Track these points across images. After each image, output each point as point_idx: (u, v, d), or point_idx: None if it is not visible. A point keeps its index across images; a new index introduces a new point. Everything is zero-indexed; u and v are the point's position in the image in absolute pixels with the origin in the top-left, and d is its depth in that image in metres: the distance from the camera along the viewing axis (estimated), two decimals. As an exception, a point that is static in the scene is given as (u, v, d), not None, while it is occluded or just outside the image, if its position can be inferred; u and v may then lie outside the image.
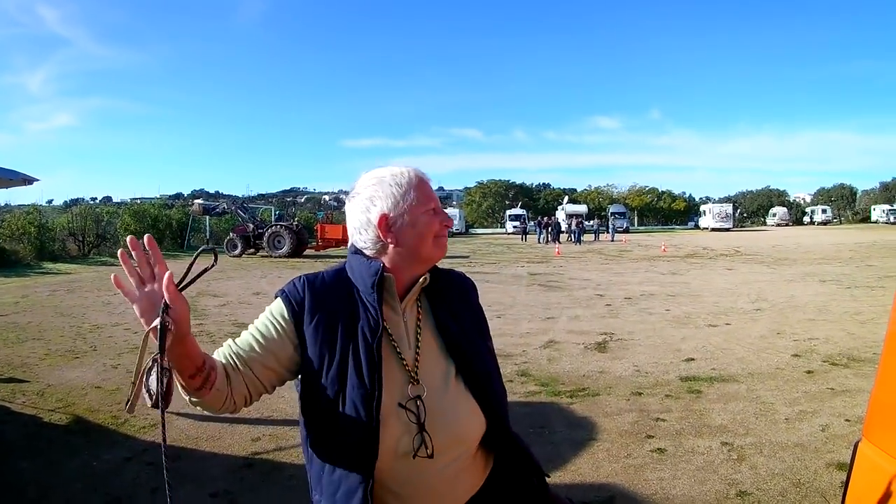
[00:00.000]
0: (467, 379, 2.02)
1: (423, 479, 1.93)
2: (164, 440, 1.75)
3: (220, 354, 2.01)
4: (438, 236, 2.06)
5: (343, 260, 2.18)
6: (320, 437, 1.97)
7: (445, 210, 2.12)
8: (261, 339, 2.01)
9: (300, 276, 2.10)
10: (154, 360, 1.74)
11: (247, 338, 2.03)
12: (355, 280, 2.05)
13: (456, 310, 2.16)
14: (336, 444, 1.91)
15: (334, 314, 1.99)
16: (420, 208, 2.04)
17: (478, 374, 2.04)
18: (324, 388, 1.93)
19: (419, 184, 2.08)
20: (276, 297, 2.10)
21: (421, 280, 2.07)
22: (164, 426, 1.73)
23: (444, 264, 2.18)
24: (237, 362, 1.97)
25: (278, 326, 2.02)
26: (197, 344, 1.81)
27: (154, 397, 1.75)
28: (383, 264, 2.01)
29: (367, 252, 2.07)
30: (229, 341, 2.07)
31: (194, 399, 1.86)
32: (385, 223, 2.02)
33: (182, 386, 1.83)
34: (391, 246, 2.04)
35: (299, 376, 2.06)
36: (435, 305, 2.12)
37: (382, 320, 1.96)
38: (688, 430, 6.56)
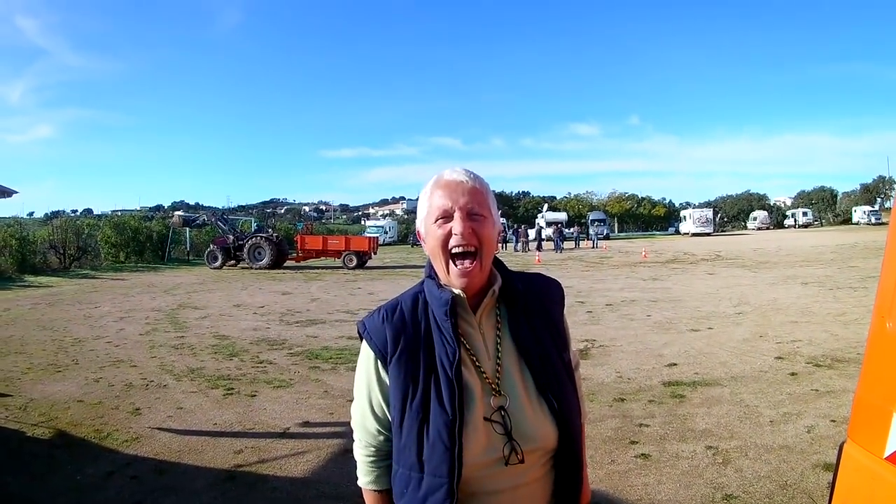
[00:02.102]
0: (539, 390, 1.99)
1: (507, 489, 1.95)
2: None
3: (362, 438, 2.12)
4: (445, 249, 1.97)
5: (419, 281, 2.14)
6: (406, 458, 1.97)
7: (459, 218, 1.96)
8: (372, 398, 2.07)
9: (379, 310, 2.08)
10: None
11: (364, 405, 2.09)
12: (432, 305, 2.02)
13: (533, 317, 2.10)
14: (421, 465, 1.92)
15: (415, 344, 1.98)
16: (429, 219, 2.01)
17: (548, 385, 2.00)
18: (410, 417, 1.94)
19: (432, 190, 2.02)
20: (358, 333, 2.11)
21: (490, 292, 2.03)
22: None
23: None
24: (378, 430, 2.07)
25: (374, 378, 2.06)
26: None
27: None
28: (452, 291, 1.98)
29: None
30: (357, 418, 2.14)
31: None
32: (420, 237, 2.08)
33: None
34: (433, 263, 2.05)
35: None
36: (511, 313, 2.08)
37: (459, 346, 1.95)
38: (672, 435, 6.57)
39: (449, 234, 1.95)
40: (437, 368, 1.94)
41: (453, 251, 1.96)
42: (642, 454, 6.15)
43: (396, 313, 2.04)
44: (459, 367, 1.92)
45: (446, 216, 1.96)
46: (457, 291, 1.99)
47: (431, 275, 2.07)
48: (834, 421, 6.72)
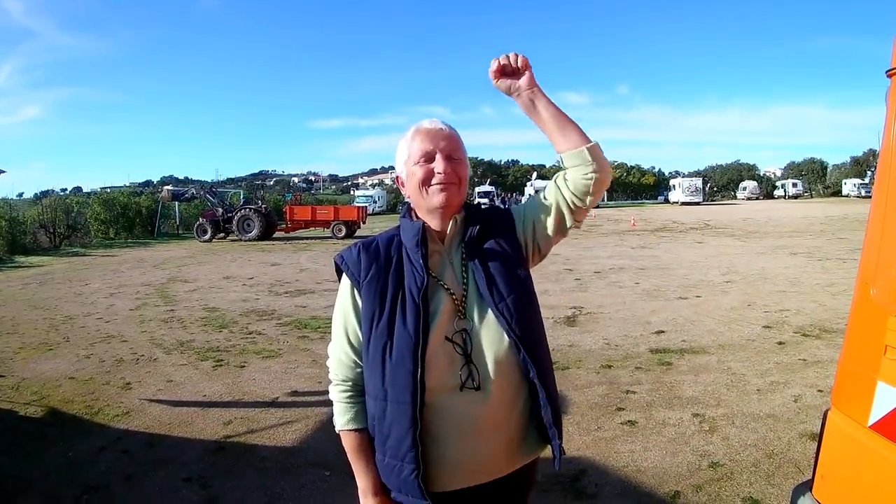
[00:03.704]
0: (503, 310, 2.10)
1: (469, 417, 2.04)
2: None
3: (339, 372, 2.24)
4: (426, 184, 2.16)
5: (397, 225, 2.31)
6: (372, 385, 2.11)
7: (440, 159, 2.17)
8: (348, 326, 2.21)
9: (356, 244, 2.26)
10: None
11: (340, 334, 2.23)
12: (404, 240, 2.21)
13: (485, 242, 2.22)
14: (385, 391, 2.05)
15: (385, 272, 2.15)
16: (410, 162, 2.21)
17: (507, 306, 2.11)
18: (375, 339, 2.08)
19: (412, 137, 2.22)
20: (336, 265, 2.28)
21: (451, 223, 2.20)
22: None
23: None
24: (355, 362, 2.21)
25: (350, 304, 2.21)
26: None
27: None
28: (423, 222, 2.19)
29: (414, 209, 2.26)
30: (334, 352, 2.27)
31: None
32: (400, 182, 2.25)
33: None
34: (412, 201, 2.25)
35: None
36: (473, 244, 2.21)
37: (428, 273, 2.12)
38: (659, 402, 6.61)
39: (431, 172, 2.16)
40: (406, 293, 2.10)
41: (435, 187, 2.16)
42: (629, 421, 6.19)
43: (372, 246, 2.24)
44: (426, 292, 2.09)
45: (428, 158, 2.17)
46: (437, 214, 2.19)
47: (406, 215, 2.27)
48: (821, 391, 6.77)
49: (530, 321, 2.16)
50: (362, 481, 2.19)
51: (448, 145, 2.18)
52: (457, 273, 2.18)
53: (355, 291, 2.18)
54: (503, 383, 2.08)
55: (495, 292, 2.12)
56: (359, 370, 2.18)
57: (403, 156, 2.23)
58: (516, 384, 2.13)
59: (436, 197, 2.14)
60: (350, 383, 2.20)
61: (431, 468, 2.04)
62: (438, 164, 2.14)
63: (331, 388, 2.25)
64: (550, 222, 2.27)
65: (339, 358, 2.21)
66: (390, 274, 2.14)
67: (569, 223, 2.27)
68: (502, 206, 2.49)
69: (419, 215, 2.23)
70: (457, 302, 2.11)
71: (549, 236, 2.29)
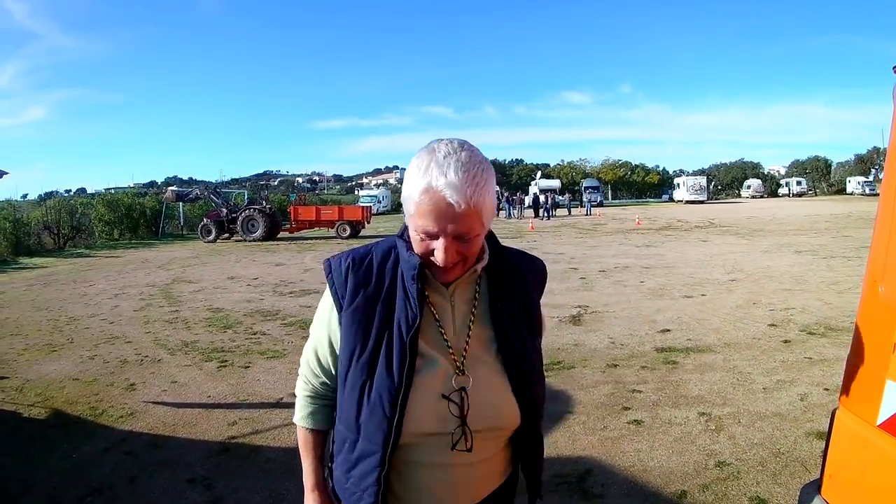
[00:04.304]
0: (511, 377, 1.93)
1: (449, 473, 1.92)
2: None
3: (307, 378, 2.14)
4: (423, 255, 1.84)
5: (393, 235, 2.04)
6: (345, 416, 1.95)
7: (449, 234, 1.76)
8: (319, 350, 2.06)
9: (348, 255, 2.00)
10: None
11: (311, 357, 2.10)
12: (402, 263, 1.92)
13: (514, 301, 2.01)
14: (358, 427, 1.89)
15: (373, 301, 1.91)
16: (409, 219, 1.84)
17: (522, 376, 1.94)
18: (354, 374, 1.89)
19: (420, 194, 1.74)
20: (324, 270, 2.02)
21: (471, 270, 1.93)
22: None
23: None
24: (326, 390, 2.11)
25: (327, 324, 2.02)
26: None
27: None
28: (421, 259, 1.85)
29: None
30: (305, 360, 2.14)
31: None
32: (392, 201, 2.01)
33: None
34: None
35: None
36: (493, 289, 1.99)
37: (421, 314, 1.85)
38: (664, 402, 6.59)
39: (430, 250, 1.81)
40: (393, 330, 1.87)
41: (434, 264, 1.84)
42: (635, 420, 6.18)
43: (364, 264, 1.97)
44: (416, 333, 1.85)
45: (430, 236, 1.79)
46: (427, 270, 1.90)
47: (403, 236, 1.95)
48: (827, 389, 6.76)
49: (538, 395, 2.01)
50: (308, 479, 2.18)
51: (458, 228, 1.74)
52: (459, 321, 1.93)
53: (334, 315, 1.97)
54: (494, 448, 1.98)
55: (511, 359, 1.93)
56: (319, 382, 2.09)
57: (407, 201, 1.80)
58: (508, 452, 2.05)
59: (435, 270, 1.86)
60: (312, 387, 2.12)
61: (398, 498, 1.95)
62: (439, 252, 1.78)
63: (298, 381, 2.19)
64: None
65: (307, 365, 2.11)
66: (379, 303, 1.90)
67: None
68: (543, 263, 2.20)
69: None
70: (453, 355, 1.89)
71: None
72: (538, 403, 2.01)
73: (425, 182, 1.72)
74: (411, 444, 1.86)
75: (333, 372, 2.02)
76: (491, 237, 2.01)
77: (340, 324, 1.94)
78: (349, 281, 1.94)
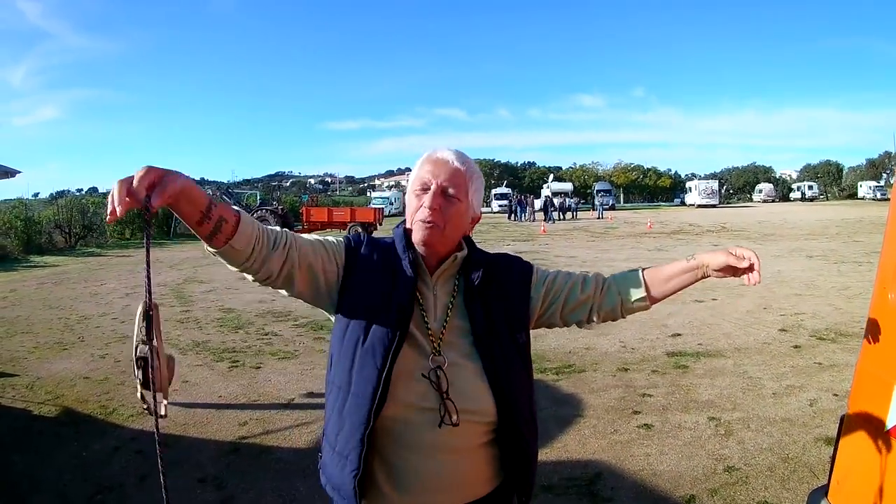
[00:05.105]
0: (485, 366, 2.01)
1: (443, 449, 1.96)
2: (158, 428, 1.80)
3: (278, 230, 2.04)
4: (417, 219, 2.04)
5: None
6: (339, 370, 2.03)
7: (432, 190, 2.04)
8: (316, 244, 2.07)
9: (365, 234, 2.20)
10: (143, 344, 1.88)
11: (306, 236, 2.09)
12: (400, 254, 2.08)
13: (489, 296, 2.12)
14: (350, 379, 1.98)
15: (378, 278, 2.06)
16: (410, 188, 2.12)
17: (494, 364, 2.02)
18: (352, 329, 2.01)
19: (420, 163, 2.12)
20: (344, 238, 2.19)
21: (451, 258, 2.10)
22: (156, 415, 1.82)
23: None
24: (289, 240, 1.98)
25: (332, 250, 2.08)
26: (200, 193, 1.73)
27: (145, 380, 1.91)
28: (416, 250, 2.07)
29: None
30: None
31: (210, 249, 1.84)
32: (404, 203, 2.17)
33: (198, 234, 1.80)
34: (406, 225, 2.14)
35: (333, 318, 2.13)
36: (468, 287, 2.11)
37: (416, 299, 2.04)
38: (674, 406, 6.59)
39: (420, 205, 2.04)
40: (391, 310, 1.99)
41: (419, 222, 2.03)
42: (645, 424, 6.17)
43: (379, 243, 2.16)
44: (409, 317, 2.00)
45: (424, 188, 2.06)
46: (420, 250, 2.07)
47: (400, 227, 2.16)
48: (836, 394, 6.74)
49: (514, 381, 2.06)
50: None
51: (447, 179, 2.05)
52: (440, 310, 2.08)
53: (344, 262, 2.08)
54: (478, 437, 2.03)
55: (484, 349, 2.03)
56: (282, 246, 1.94)
57: (410, 180, 2.17)
58: (494, 455, 2.08)
59: (416, 233, 2.04)
60: (283, 234, 1.98)
61: (385, 480, 1.98)
62: (427, 199, 2.02)
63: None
64: (572, 311, 2.27)
65: (291, 235, 2.02)
66: (382, 283, 2.05)
67: (583, 322, 2.29)
68: (522, 259, 2.35)
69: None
70: (432, 337, 2.02)
71: (561, 320, 2.29)
72: (516, 396, 2.06)
73: (427, 155, 2.13)
74: (398, 418, 1.93)
75: (296, 258, 1.98)
76: (469, 241, 2.21)
77: (344, 274, 2.08)
78: (364, 251, 2.11)
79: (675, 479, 5.05)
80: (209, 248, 1.84)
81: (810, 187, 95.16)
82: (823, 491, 2.77)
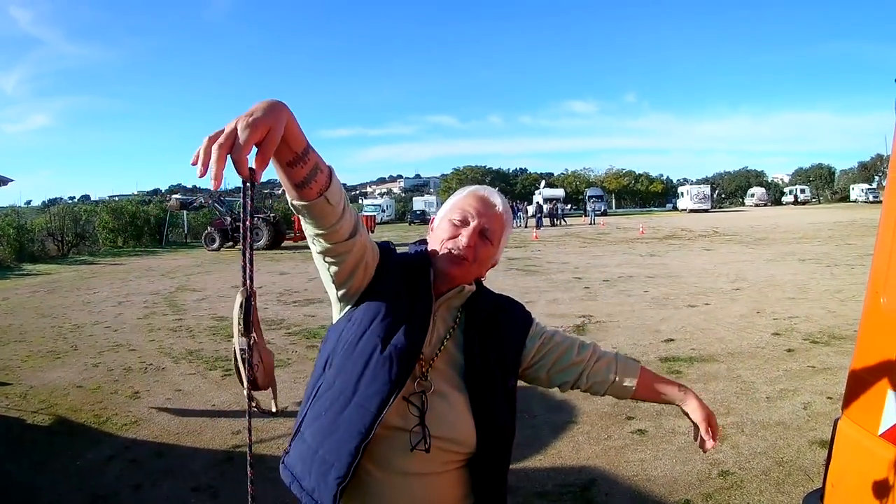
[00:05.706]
0: (472, 399, 1.99)
1: (405, 480, 1.92)
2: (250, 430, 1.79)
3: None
4: (449, 247, 2.03)
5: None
6: (344, 378, 1.94)
7: (474, 225, 2.04)
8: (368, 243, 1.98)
9: (391, 243, 2.15)
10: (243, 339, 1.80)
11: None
12: (421, 273, 2.06)
13: (488, 336, 2.11)
14: (355, 389, 1.90)
15: (402, 291, 2.00)
16: (447, 214, 2.12)
17: (483, 399, 2.00)
18: (370, 335, 1.93)
19: (466, 195, 2.14)
20: (383, 244, 2.14)
21: (459, 288, 2.07)
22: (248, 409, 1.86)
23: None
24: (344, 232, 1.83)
25: (374, 248, 2.02)
26: (299, 129, 1.61)
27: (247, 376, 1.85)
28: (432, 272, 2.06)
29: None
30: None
31: (297, 203, 1.68)
32: (431, 225, 2.18)
33: (285, 181, 1.65)
34: (429, 246, 2.13)
35: (340, 312, 2.09)
36: (469, 323, 2.10)
37: (430, 323, 2.00)
38: (668, 411, 6.55)
39: (454, 237, 2.04)
40: (415, 307, 1.98)
41: (449, 251, 2.02)
42: (638, 430, 6.20)
43: (405, 254, 2.16)
44: (425, 336, 1.96)
45: (464, 221, 2.05)
46: (438, 275, 2.05)
47: (419, 243, 2.19)
48: (830, 398, 6.76)
49: (497, 420, 2.03)
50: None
51: (489, 222, 2.07)
52: (435, 337, 2.04)
53: (378, 270, 2.00)
54: (450, 465, 1.98)
55: (474, 385, 2.01)
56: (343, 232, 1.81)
57: (448, 206, 2.15)
58: (466, 482, 2.03)
59: (444, 260, 2.03)
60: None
61: (354, 493, 1.92)
62: (465, 234, 2.02)
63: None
64: (561, 371, 2.25)
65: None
66: (406, 290, 2.00)
67: (568, 384, 2.27)
68: (524, 308, 2.34)
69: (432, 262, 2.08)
70: (422, 362, 1.97)
71: (546, 378, 2.27)
72: (500, 436, 2.05)
73: (474, 189, 2.16)
74: (379, 436, 1.86)
75: (346, 236, 1.82)
76: (478, 282, 2.20)
77: (375, 274, 2.01)
78: (392, 259, 2.07)
79: (669, 485, 5.06)
80: (296, 202, 1.69)
81: (802, 191, 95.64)
82: (818, 494, 2.77)
